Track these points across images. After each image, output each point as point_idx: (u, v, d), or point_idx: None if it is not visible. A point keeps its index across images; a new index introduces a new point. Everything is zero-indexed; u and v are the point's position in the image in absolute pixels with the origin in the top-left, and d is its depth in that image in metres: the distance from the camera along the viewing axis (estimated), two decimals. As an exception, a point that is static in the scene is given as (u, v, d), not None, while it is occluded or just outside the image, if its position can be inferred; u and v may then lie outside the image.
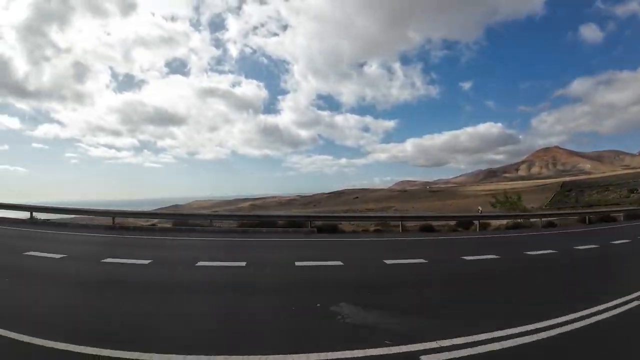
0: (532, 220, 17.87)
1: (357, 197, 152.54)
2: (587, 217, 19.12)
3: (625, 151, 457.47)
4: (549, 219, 18.58)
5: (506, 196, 29.02)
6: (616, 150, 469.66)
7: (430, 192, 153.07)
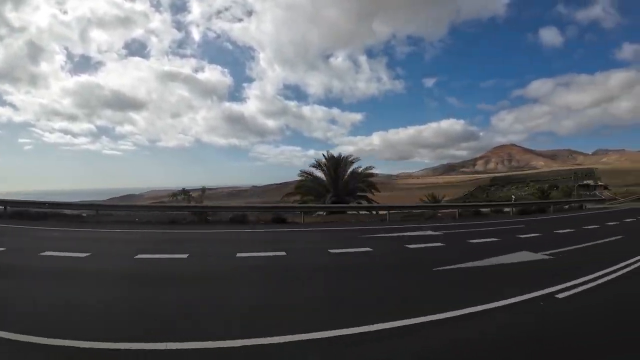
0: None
1: None
2: (457, 212, 20.00)
3: (580, 151, 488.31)
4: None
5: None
6: (571, 149, 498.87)
7: (381, 184, 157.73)
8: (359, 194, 26.53)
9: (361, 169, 27.41)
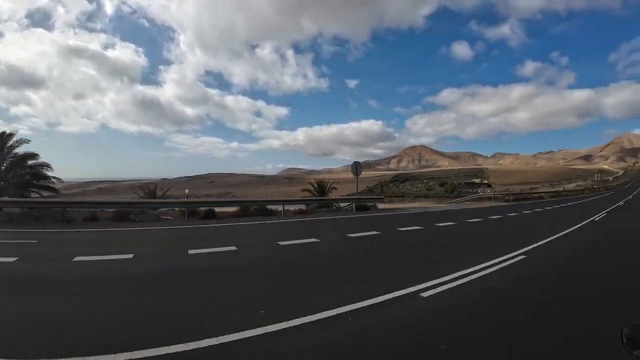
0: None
1: (212, 182, 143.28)
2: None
3: (480, 153, 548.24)
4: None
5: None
6: (473, 152, 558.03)
7: (287, 179, 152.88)
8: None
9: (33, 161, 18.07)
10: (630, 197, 32.71)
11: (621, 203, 24.39)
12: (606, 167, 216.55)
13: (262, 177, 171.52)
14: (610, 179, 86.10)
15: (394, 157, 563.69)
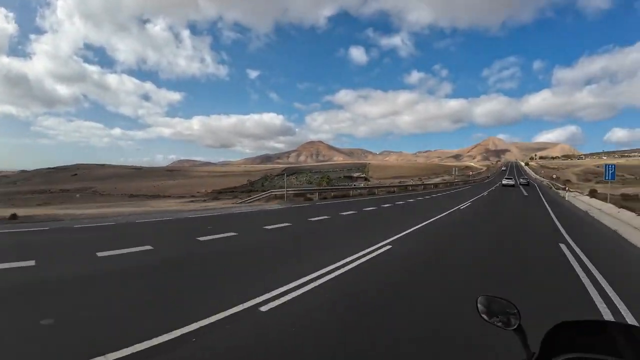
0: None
1: (75, 174, 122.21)
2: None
3: (371, 150, 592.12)
4: None
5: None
6: (364, 149, 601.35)
7: (167, 172, 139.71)
8: None
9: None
10: (485, 193, 34.03)
11: (467, 203, 25.22)
12: (472, 164, 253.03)
13: (140, 169, 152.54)
14: (471, 173, 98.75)
15: (294, 151, 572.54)
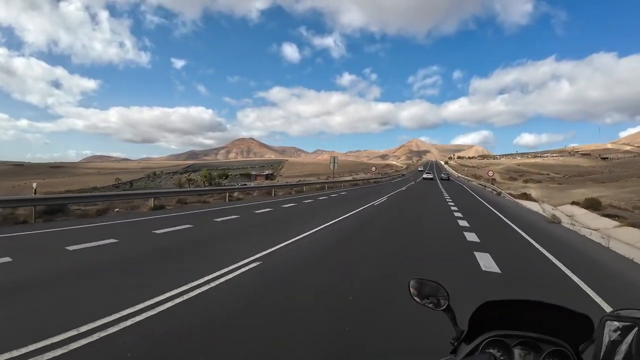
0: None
1: None
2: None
3: (303, 149, 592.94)
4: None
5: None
6: (297, 147, 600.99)
7: (51, 168, 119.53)
8: None
9: None
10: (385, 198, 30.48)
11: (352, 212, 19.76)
12: (395, 163, 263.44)
13: (21, 165, 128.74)
14: (392, 170, 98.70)
15: (223, 148, 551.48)
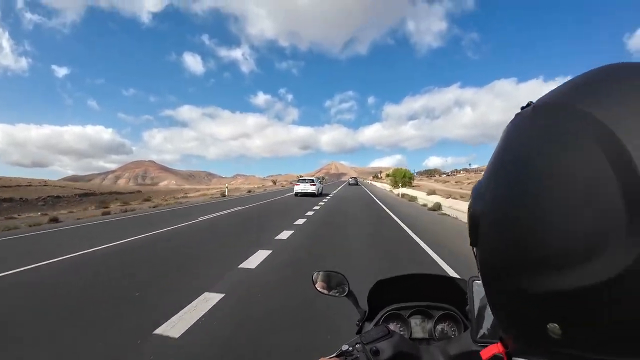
0: None
1: None
2: None
3: (218, 174, 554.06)
4: None
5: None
6: (210, 172, 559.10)
7: None
8: None
9: None
10: None
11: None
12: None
13: None
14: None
15: (112, 172, 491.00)
